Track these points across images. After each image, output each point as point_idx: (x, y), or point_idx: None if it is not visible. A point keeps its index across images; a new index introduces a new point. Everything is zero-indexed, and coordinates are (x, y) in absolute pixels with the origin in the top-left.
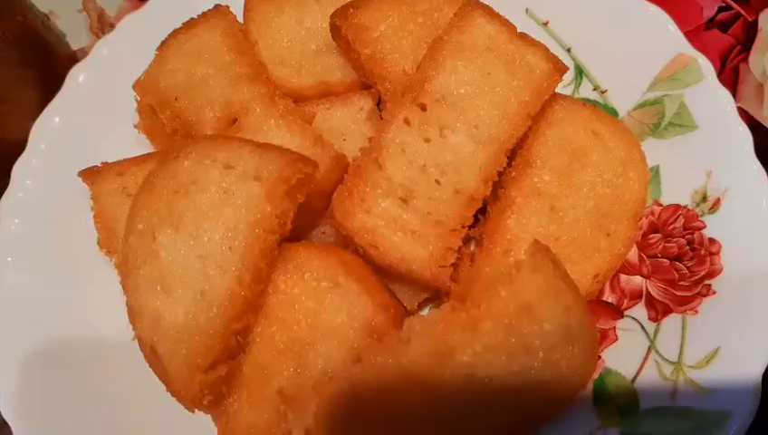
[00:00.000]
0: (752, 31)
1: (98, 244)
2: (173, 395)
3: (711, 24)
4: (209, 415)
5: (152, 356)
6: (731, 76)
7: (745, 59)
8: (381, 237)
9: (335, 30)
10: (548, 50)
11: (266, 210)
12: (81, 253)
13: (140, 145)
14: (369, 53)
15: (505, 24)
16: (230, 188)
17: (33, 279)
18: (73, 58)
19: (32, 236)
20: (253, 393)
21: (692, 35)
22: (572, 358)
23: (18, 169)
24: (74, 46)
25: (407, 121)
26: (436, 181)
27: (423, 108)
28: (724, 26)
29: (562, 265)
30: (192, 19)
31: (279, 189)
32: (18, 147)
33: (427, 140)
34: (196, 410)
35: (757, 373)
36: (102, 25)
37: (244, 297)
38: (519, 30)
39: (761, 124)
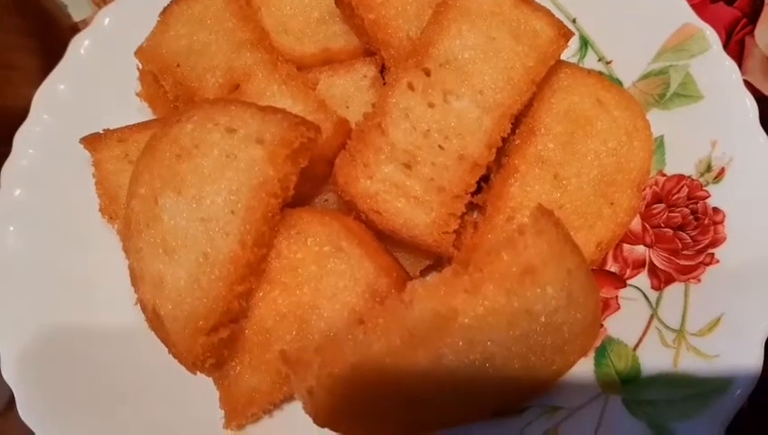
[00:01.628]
0: (758, 3)
1: (100, 210)
2: (175, 357)
3: None
4: (211, 379)
5: (154, 319)
6: (736, 49)
7: (751, 32)
8: (384, 203)
9: None
10: (553, 15)
11: (269, 174)
12: (82, 220)
13: (142, 113)
14: (373, 18)
15: None
16: (232, 152)
17: (36, 247)
18: (75, 29)
19: (34, 204)
20: (255, 357)
21: (698, 8)
22: (575, 323)
23: (20, 137)
24: (76, 18)
25: (410, 86)
26: (440, 147)
27: (427, 73)
28: None
29: (566, 228)
30: None
31: (281, 153)
32: (20, 114)
33: (431, 105)
34: (197, 372)
35: (759, 341)
36: None
37: (246, 260)
38: None
39: (766, 97)
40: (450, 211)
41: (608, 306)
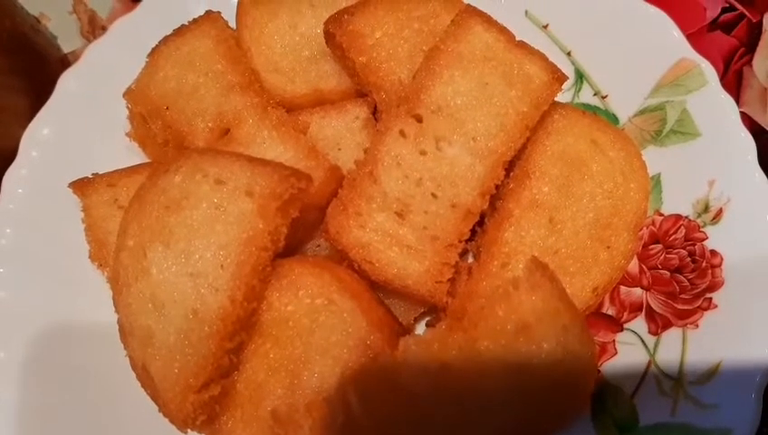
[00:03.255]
0: (756, 32)
1: (89, 257)
2: (165, 416)
3: (714, 25)
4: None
5: (144, 375)
6: (734, 80)
7: (749, 62)
8: (376, 253)
9: (329, 37)
10: (547, 59)
11: (258, 227)
12: (73, 264)
13: (132, 153)
14: (365, 61)
15: (503, 32)
16: (221, 205)
17: (26, 290)
18: (65, 61)
19: (23, 247)
20: (246, 412)
21: (695, 37)
22: (571, 375)
23: (9, 179)
24: (65, 49)
25: (402, 134)
26: (433, 195)
27: (419, 119)
28: (727, 27)
29: (560, 283)
30: (183, 26)
31: (271, 205)
32: (9, 155)
33: (423, 153)
34: (188, 430)
35: (758, 389)
36: (94, 28)
37: (236, 316)
38: (518, 33)
39: (764, 129)
40: (444, 260)
41: (605, 351)
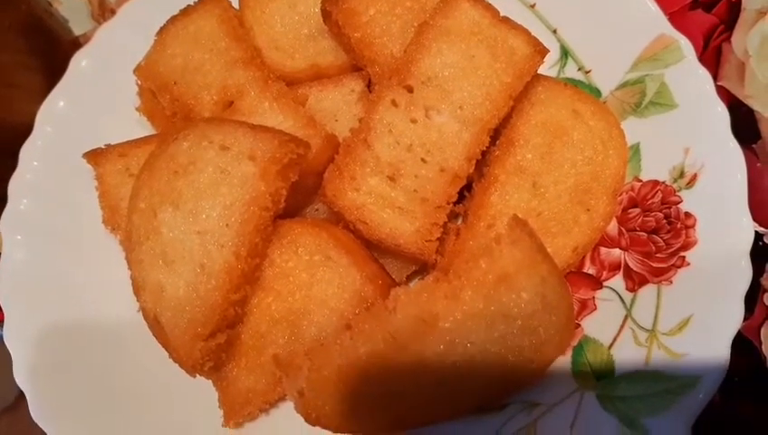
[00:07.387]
0: (735, 10)
1: (102, 221)
2: (176, 361)
3: (696, 3)
4: (210, 380)
5: (156, 326)
6: (713, 55)
7: (728, 38)
8: (370, 214)
9: (326, 15)
10: (529, 33)
11: (260, 189)
12: (86, 230)
13: (142, 127)
14: (359, 36)
15: (488, 8)
16: (226, 168)
17: (43, 255)
18: (76, 43)
19: (39, 215)
20: (250, 360)
21: (677, 15)
22: (550, 325)
23: (25, 151)
24: (77, 32)
25: (394, 103)
26: (422, 160)
27: (410, 90)
28: (708, 6)
29: (539, 238)
30: (189, 6)
31: (272, 169)
32: (25, 130)
33: (414, 121)
34: (197, 375)
35: (726, 341)
36: (103, 11)
37: (240, 270)
38: (507, 11)
39: (741, 102)
40: (433, 221)
41: (585, 307)
